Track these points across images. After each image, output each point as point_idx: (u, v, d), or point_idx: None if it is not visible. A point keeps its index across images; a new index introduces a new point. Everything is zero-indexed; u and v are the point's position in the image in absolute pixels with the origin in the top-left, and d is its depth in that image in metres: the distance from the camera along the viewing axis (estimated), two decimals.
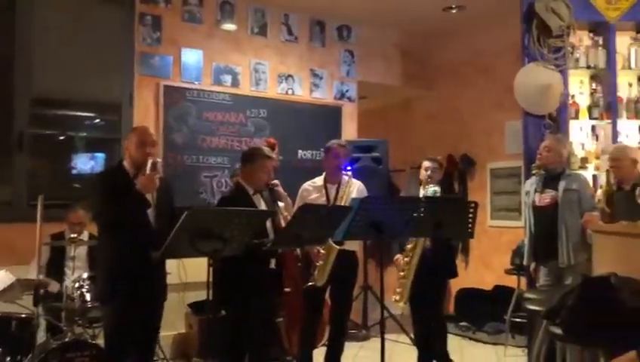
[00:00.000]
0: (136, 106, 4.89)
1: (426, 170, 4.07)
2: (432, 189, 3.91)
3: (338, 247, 3.67)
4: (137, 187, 2.83)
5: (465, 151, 6.36)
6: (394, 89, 6.59)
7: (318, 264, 3.68)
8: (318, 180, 3.96)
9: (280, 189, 3.53)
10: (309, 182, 3.98)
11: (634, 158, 3.71)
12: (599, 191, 3.94)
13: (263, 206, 3.33)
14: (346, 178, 3.92)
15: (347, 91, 5.98)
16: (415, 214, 3.03)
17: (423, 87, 6.74)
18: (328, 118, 5.80)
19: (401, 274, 3.98)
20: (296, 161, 5.58)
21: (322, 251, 3.69)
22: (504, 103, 5.78)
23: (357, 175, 5.02)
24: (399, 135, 7.18)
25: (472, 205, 3.32)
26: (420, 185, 4.08)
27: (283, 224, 3.22)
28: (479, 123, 6.30)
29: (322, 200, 3.83)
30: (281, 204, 3.40)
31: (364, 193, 3.97)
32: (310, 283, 3.62)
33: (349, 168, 5.24)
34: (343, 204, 3.75)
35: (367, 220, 2.90)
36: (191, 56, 5.16)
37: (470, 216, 3.32)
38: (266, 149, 3.50)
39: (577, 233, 3.77)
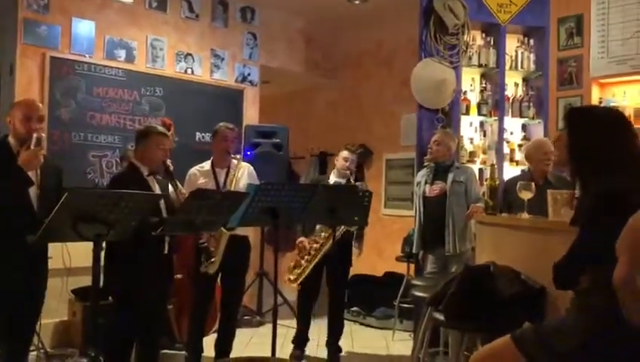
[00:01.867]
0: (19, 78, 4.50)
1: (346, 160, 4.15)
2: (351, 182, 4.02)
3: (229, 233, 3.62)
4: (19, 163, 2.69)
5: (363, 141, 6.47)
6: (296, 75, 6.57)
7: (213, 250, 3.61)
8: (206, 164, 3.88)
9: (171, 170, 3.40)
10: (196, 167, 3.88)
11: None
12: (485, 185, 4.14)
13: (157, 189, 3.22)
14: (235, 162, 3.87)
15: (249, 75, 5.86)
16: (311, 200, 3.07)
17: (326, 75, 6.77)
18: (229, 100, 5.67)
19: (306, 257, 4.01)
20: (194, 143, 5.42)
21: (213, 238, 3.62)
22: (402, 96, 5.92)
23: (257, 160, 4.97)
24: (301, 122, 7.16)
25: (367, 194, 3.38)
26: (338, 174, 4.16)
27: (178, 202, 3.13)
28: (378, 114, 6.43)
29: (211, 186, 3.74)
30: (170, 188, 3.27)
31: (254, 176, 3.94)
32: (202, 270, 3.54)
33: (248, 153, 5.21)
34: (233, 189, 3.69)
35: (264, 206, 2.92)
36: (82, 28, 4.81)
37: (365, 204, 3.39)
38: (159, 127, 3.37)
39: (463, 223, 3.93)
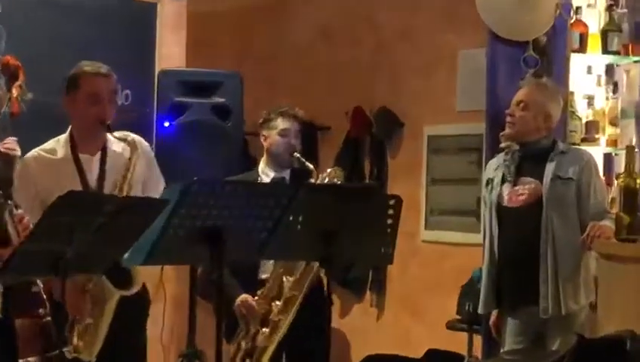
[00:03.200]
0: None
1: (285, 133, 4.28)
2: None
3: (120, 293, 3.64)
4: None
5: (384, 103, 6.46)
6: None
7: (80, 320, 3.62)
8: (59, 147, 3.87)
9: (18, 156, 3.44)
10: (37, 152, 3.86)
11: None
12: (615, 184, 4.13)
13: None
14: (113, 139, 3.83)
15: None
16: (285, 215, 3.07)
17: None
18: (128, 24, 5.65)
19: (263, 330, 4.07)
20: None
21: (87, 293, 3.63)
22: (457, 17, 5.90)
23: (182, 137, 4.94)
24: (266, 66, 7.13)
25: (392, 202, 3.38)
26: (273, 164, 4.31)
27: (15, 235, 3.12)
28: (409, 52, 6.42)
29: (74, 188, 3.59)
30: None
31: (157, 171, 3.97)
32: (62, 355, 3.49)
33: (165, 124, 5.17)
34: (123, 193, 3.71)
35: (194, 226, 2.93)
36: None
37: (389, 221, 3.38)
38: None
39: (574, 257, 3.95)
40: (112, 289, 3.63)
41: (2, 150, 3.25)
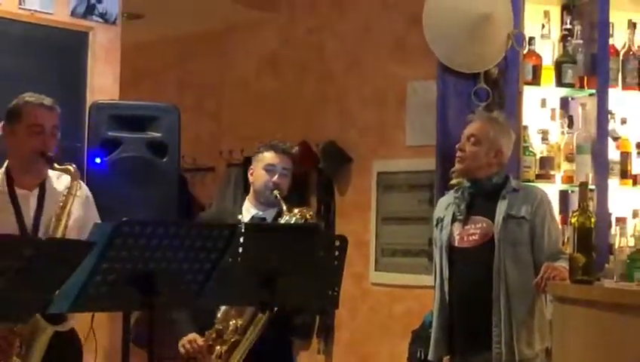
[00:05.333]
0: None
1: (270, 169, 4.19)
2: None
3: (53, 328, 3.60)
4: None
5: (331, 137, 6.49)
6: (200, 4, 6.57)
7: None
8: None
9: None
10: None
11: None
12: (569, 223, 4.17)
13: None
14: (57, 175, 3.83)
15: (100, 1, 5.81)
16: (224, 257, 3.07)
17: (259, 4, 6.81)
18: (59, 53, 5.59)
19: None
20: None
21: (17, 337, 3.56)
22: (407, 47, 5.97)
23: (115, 174, 4.89)
24: (206, 99, 7.15)
25: (338, 243, 3.39)
26: (258, 201, 4.23)
27: None
28: (361, 83, 6.48)
29: (9, 226, 3.67)
30: None
31: (94, 211, 3.95)
32: None
33: (97, 160, 5.13)
34: (57, 232, 3.67)
35: (125, 270, 2.92)
36: None
37: (335, 263, 3.40)
38: None
39: (528, 300, 3.96)
40: (44, 324, 3.56)
41: None
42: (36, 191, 3.81)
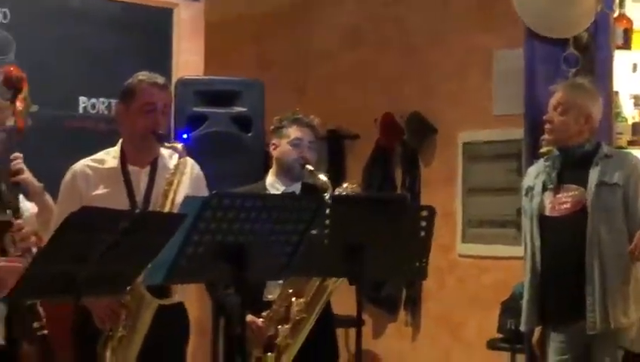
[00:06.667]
0: None
1: (297, 143, 4.18)
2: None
3: (158, 302, 3.64)
4: None
5: (416, 109, 6.48)
6: None
7: (112, 334, 3.63)
8: (109, 158, 3.92)
9: (26, 176, 3.47)
10: (87, 161, 3.91)
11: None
12: None
13: None
14: (168, 153, 3.89)
15: None
16: (310, 229, 3.07)
17: None
18: (143, 32, 5.70)
19: (269, 355, 4.04)
20: (76, 117, 5.49)
21: (123, 308, 3.63)
22: (489, 16, 5.93)
23: (201, 149, 4.93)
24: (289, 73, 7.18)
25: (425, 213, 3.38)
26: (284, 175, 4.21)
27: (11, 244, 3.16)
28: (441, 54, 6.45)
29: (120, 201, 3.75)
30: (27, 205, 3.30)
31: (203, 184, 3.98)
32: None
33: (184, 136, 5.19)
34: (164, 208, 3.72)
35: (216, 242, 2.93)
36: None
37: (422, 234, 3.38)
38: None
39: (622, 268, 3.93)
40: (150, 298, 3.62)
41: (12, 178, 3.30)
42: (148, 169, 3.87)
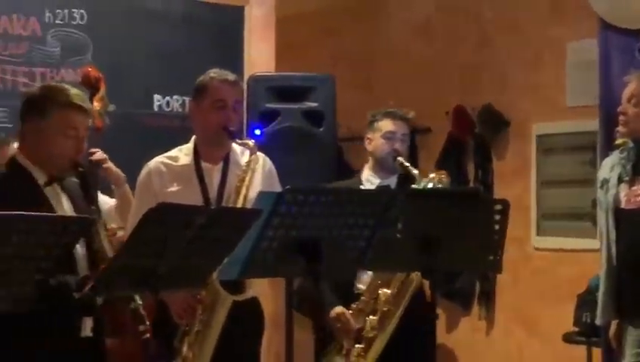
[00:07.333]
0: None
1: (390, 136, 4.19)
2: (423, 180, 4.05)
3: (232, 298, 3.69)
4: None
5: (488, 101, 6.46)
6: None
7: (188, 329, 3.69)
8: (182, 155, 3.97)
9: (110, 165, 3.54)
10: (162, 158, 3.97)
11: None
12: None
13: (66, 208, 3.33)
14: (240, 150, 3.94)
15: None
16: (383, 224, 3.08)
17: None
18: (214, 31, 5.76)
19: (357, 347, 4.07)
20: (150, 116, 5.58)
21: (199, 303, 3.69)
22: (563, 8, 5.91)
23: (273, 146, 4.97)
24: (360, 68, 7.17)
25: (499, 207, 3.37)
26: (378, 169, 4.23)
27: (106, 246, 3.22)
28: (514, 45, 6.42)
29: (194, 198, 3.82)
30: (109, 201, 3.33)
31: (275, 180, 4.02)
32: None
33: (257, 132, 5.24)
34: (237, 204, 3.75)
35: (289, 237, 2.96)
36: None
37: (496, 227, 3.38)
38: (73, 91, 3.43)
39: None
40: (224, 294, 3.67)
41: (78, 164, 3.35)
42: (220, 165, 3.93)
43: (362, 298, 4.13)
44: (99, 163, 3.54)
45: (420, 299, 4.12)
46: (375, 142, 4.29)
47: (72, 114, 3.30)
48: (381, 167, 4.29)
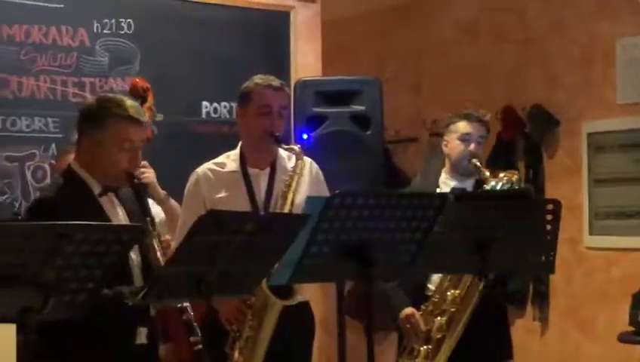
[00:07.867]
0: None
1: (466, 138, 4.18)
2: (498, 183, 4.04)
3: (282, 302, 3.69)
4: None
5: (537, 101, 6.41)
6: None
7: (239, 334, 3.71)
8: (229, 161, 3.99)
9: (152, 180, 3.65)
10: (209, 165, 3.99)
11: None
12: None
13: (120, 217, 3.37)
14: (287, 155, 3.95)
15: None
16: (434, 227, 3.07)
17: None
18: (260, 37, 5.77)
19: (425, 348, 4.05)
20: (199, 123, 5.61)
21: (248, 309, 3.71)
22: (610, 5, 5.85)
23: (321, 149, 4.99)
24: (407, 71, 7.15)
25: (551, 207, 3.35)
26: (455, 171, 4.22)
27: (160, 256, 3.27)
28: (562, 44, 6.37)
29: (242, 204, 3.84)
30: (156, 210, 3.42)
31: (323, 184, 4.03)
32: None
33: (304, 136, 5.25)
34: (284, 209, 3.78)
35: (340, 241, 2.95)
36: None
37: (548, 227, 3.36)
38: (129, 103, 3.45)
39: None
40: (274, 299, 3.68)
41: (134, 176, 3.38)
42: (267, 171, 3.95)
43: (431, 299, 4.12)
44: (142, 179, 3.60)
45: (489, 301, 4.10)
46: (451, 143, 4.26)
47: (128, 126, 3.33)
48: (457, 169, 4.25)
